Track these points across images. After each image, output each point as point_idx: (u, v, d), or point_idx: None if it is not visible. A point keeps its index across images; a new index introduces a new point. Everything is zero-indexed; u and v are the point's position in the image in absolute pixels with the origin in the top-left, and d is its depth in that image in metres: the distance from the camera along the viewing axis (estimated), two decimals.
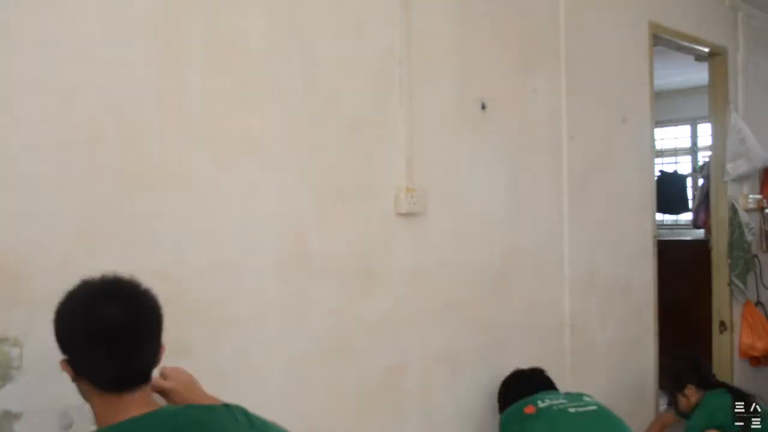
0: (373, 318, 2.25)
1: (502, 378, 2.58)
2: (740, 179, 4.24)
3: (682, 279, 4.60)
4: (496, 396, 2.57)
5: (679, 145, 7.12)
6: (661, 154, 6.83)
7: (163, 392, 1.49)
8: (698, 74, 4.56)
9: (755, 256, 4.25)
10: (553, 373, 2.61)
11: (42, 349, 1.52)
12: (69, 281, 1.58)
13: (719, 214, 4.22)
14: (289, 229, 2.03)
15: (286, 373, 2.02)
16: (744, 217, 4.16)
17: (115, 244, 1.67)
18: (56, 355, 1.45)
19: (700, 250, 4.53)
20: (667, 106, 6.02)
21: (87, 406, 1.34)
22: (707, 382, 2.97)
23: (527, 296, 2.83)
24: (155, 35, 1.75)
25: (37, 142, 1.56)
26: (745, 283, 4.16)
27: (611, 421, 2.36)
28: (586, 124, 3.14)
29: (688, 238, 5.61)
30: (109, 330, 1.25)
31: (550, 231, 2.96)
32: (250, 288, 1.93)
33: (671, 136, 7.14)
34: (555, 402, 2.34)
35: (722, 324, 4.15)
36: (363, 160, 2.22)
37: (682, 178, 6.06)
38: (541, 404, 2.32)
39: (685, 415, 2.96)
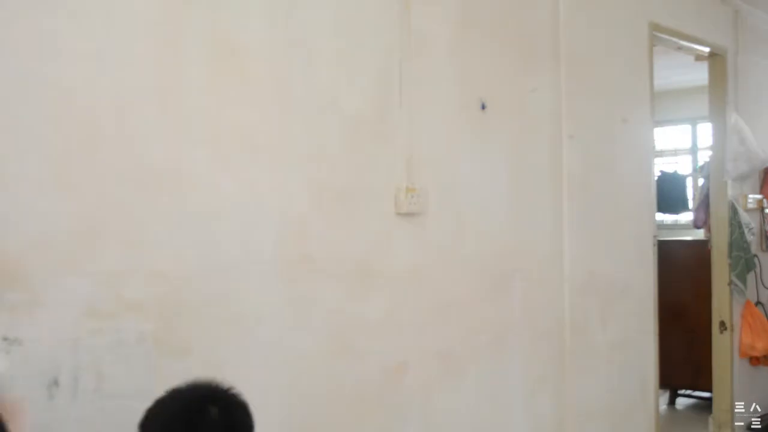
0: (372, 318, 2.24)
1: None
2: (740, 179, 4.24)
3: (682, 279, 4.60)
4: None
5: (679, 145, 7.12)
6: (661, 154, 6.83)
7: None
8: (698, 74, 4.56)
9: (755, 256, 4.25)
10: (553, 373, 2.61)
11: (42, 349, 1.53)
12: (69, 281, 1.59)
13: (719, 214, 4.21)
14: (289, 229, 2.03)
15: (286, 373, 2.02)
16: (744, 217, 4.16)
17: (115, 244, 1.67)
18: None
19: (700, 250, 4.53)
20: (667, 106, 6.02)
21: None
22: None
23: (527, 296, 2.82)
24: (155, 35, 1.76)
25: (37, 142, 1.56)
26: (745, 283, 4.16)
27: None
28: (586, 124, 3.14)
29: (688, 238, 5.61)
30: None
31: (549, 231, 2.95)
32: (250, 288, 1.93)
33: (671, 136, 7.14)
34: None
35: (722, 324, 4.15)
36: (363, 160, 2.22)
37: (682, 178, 6.06)
38: None
39: None
